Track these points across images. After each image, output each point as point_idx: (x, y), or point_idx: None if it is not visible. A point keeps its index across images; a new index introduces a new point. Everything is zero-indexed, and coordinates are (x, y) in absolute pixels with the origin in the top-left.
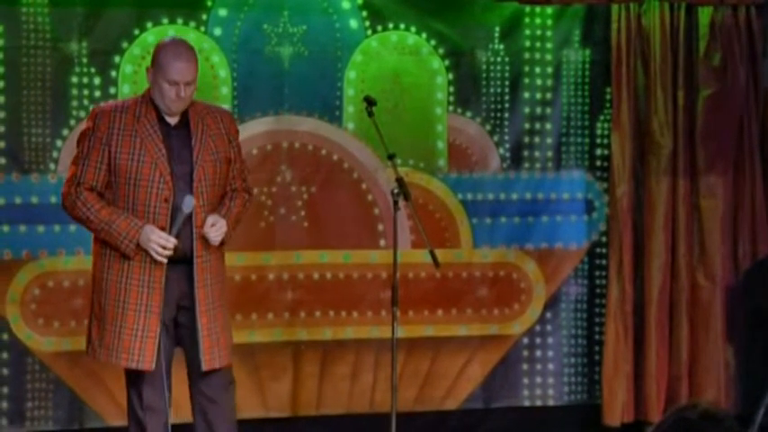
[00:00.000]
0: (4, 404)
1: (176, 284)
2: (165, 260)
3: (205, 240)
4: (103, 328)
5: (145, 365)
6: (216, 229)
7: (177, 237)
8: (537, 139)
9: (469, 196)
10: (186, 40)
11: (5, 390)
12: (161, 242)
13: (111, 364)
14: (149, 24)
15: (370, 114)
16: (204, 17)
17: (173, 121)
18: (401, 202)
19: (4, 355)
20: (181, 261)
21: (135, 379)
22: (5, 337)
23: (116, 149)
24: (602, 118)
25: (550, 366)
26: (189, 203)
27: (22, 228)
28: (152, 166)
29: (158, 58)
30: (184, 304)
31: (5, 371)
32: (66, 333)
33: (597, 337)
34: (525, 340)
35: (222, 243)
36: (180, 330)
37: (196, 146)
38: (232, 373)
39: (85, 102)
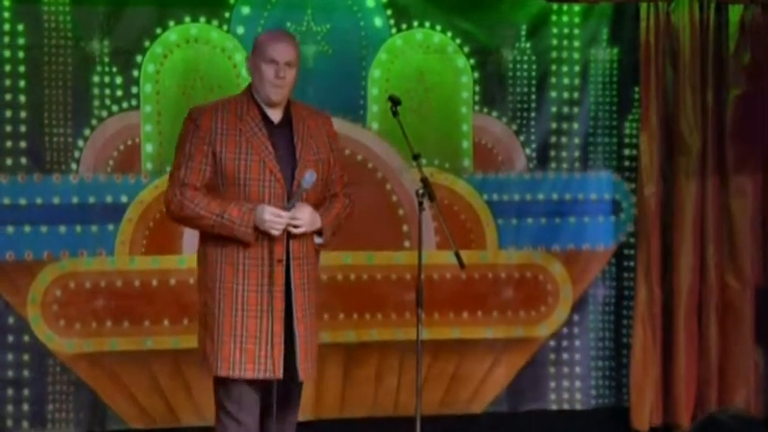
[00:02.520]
0: (25, 407)
1: None
2: (278, 233)
3: (302, 242)
4: (220, 340)
5: (275, 373)
6: (298, 215)
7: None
8: (564, 139)
9: (495, 197)
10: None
11: (26, 392)
12: (275, 219)
13: (234, 376)
14: (171, 23)
15: (395, 114)
16: (227, 15)
17: (276, 118)
18: (426, 203)
19: (25, 357)
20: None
21: (231, 388)
22: (26, 338)
23: (221, 150)
24: (630, 117)
25: (577, 369)
26: (309, 179)
27: (44, 228)
28: (261, 165)
29: (258, 43)
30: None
31: (26, 373)
32: (87, 334)
33: (625, 339)
34: (552, 343)
35: (318, 248)
36: None
37: (299, 144)
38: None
39: (107, 101)
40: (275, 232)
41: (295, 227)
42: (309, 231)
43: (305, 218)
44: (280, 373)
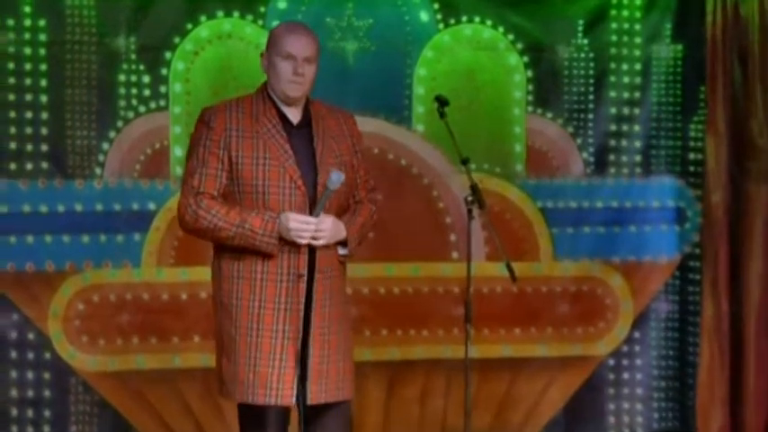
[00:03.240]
0: (46, 428)
1: None
2: (305, 242)
3: (325, 254)
4: (236, 362)
5: (284, 400)
6: (319, 227)
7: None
8: (624, 143)
9: (550, 204)
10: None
11: (47, 413)
12: (302, 226)
13: (249, 402)
14: (203, 18)
15: (442, 115)
16: (262, 10)
17: (294, 118)
18: (475, 211)
19: (46, 376)
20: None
21: (252, 413)
22: (47, 355)
23: (237, 154)
24: (695, 119)
25: (639, 391)
26: (336, 180)
27: (66, 238)
28: (280, 171)
29: (272, 35)
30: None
31: (47, 392)
32: (112, 351)
33: (690, 358)
34: (611, 362)
35: (344, 260)
36: None
37: (318, 147)
38: (349, 412)
39: (134, 102)
40: (303, 241)
41: (315, 238)
42: (332, 243)
43: (327, 228)
44: (291, 400)
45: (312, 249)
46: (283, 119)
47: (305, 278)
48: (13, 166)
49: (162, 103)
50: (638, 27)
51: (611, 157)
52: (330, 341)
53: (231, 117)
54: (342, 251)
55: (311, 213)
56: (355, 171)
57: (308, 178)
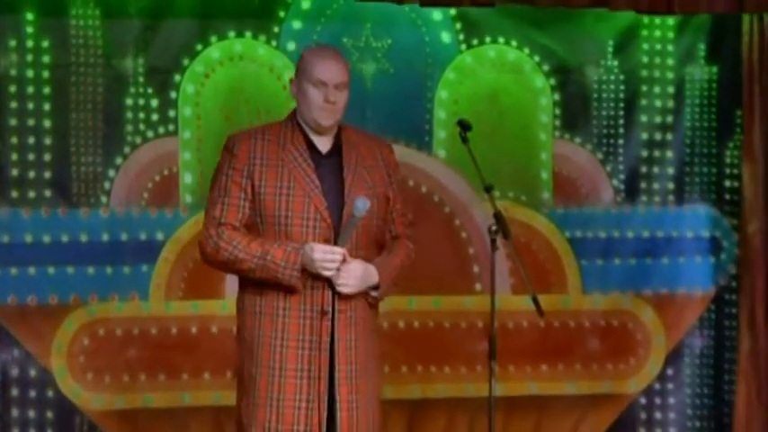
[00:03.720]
0: None
1: None
2: (331, 273)
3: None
4: (255, 403)
5: None
6: (345, 274)
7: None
8: (656, 169)
9: (578, 234)
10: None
11: None
12: (327, 256)
13: None
14: (213, 38)
15: (465, 140)
16: (276, 30)
17: (324, 147)
18: (499, 241)
19: (49, 414)
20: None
21: None
22: (50, 393)
23: (260, 183)
24: (731, 144)
25: (672, 431)
26: (362, 207)
27: (70, 269)
28: (305, 201)
29: (302, 61)
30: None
31: None
32: (118, 389)
33: (726, 396)
34: (643, 400)
35: (376, 302)
36: None
37: (348, 177)
38: None
39: (141, 126)
40: (328, 273)
41: (342, 285)
42: (364, 289)
43: (356, 276)
44: None
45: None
46: (311, 147)
47: (329, 315)
48: (15, 193)
49: (171, 127)
50: (670, 48)
51: (643, 185)
52: (359, 385)
53: (256, 144)
54: (373, 293)
55: (335, 244)
56: (391, 204)
57: (335, 210)
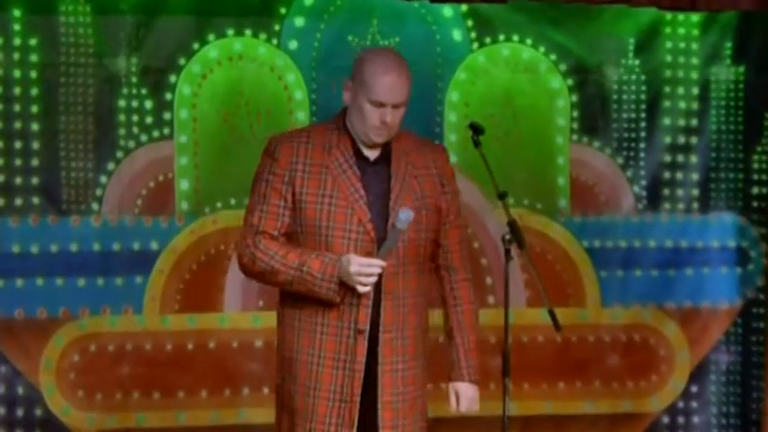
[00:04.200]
0: None
1: None
2: (368, 289)
3: (399, 309)
4: (294, 423)
5: None
6: (469, 404)
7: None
8: (679, 175)
9: (597, 244)
10: (398, 52)
11: None
12: (364, 269)
13: None
14: (211, 36)
15: (477, 144)
16: (277, 27)
17: (372, 154)
18: (514, 251)
19: None
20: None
21: None
22: (38, 411)
23: (301, 190)
24: (758, 149)
25: None
26: (405, 219)
27: (60, 281)
28: (347, 212)
29: (362, 70)
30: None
31: None
32: (110, 408)
33: (754, 416)
34: (665, 420)
35: (424, 321)
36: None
37: (395, 187)
38: None
39: (135, 130)
40: (364, 289)
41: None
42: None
43: (475, 398)
44: None
45: (378, 302)
46: (358, 153)
47: (366, 335)
48: (1, 201)
49: (166, 131)
50: (695, 46)
51: (666, 192)
52: (405, 410)
53: (299, 148)
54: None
55: (378, 247)
56: (443, 215)
57: (379, 222)
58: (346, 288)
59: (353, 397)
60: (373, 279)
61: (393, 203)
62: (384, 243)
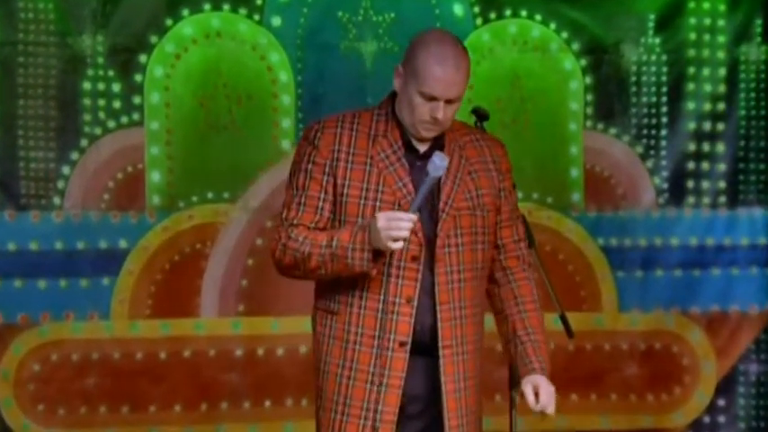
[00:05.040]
0: None
1: (408, 383)
2: (400, 245)
3: (458, 320)
4: None
5: None
6: (548, 398)
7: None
8: (705, 165)
9: (614, 242)
10: (457, 39)
11: None
12: (393, 223)
13: None
14: (186, 12)
15: None
16: (259, 2)
17: (422, 145)
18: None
19: None
20: (419, 351)
21: None
22: None
23: (344, 182)
24: None
25: None
26: (438, 164)
27: (18, 283)
28: (394, 209)
29: (415, 57)
30: (415, 411)
31: None
32: (74, 423)
33: None
34: None
35: (481, 333)
36: None
37: (447, 185)
38: None
39: (101, 115)
40: (395, 244)
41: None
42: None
43: (552, 398)
44: None
45: (431, 313)
46: (407, 145)
47: (407, 347)
48: None
49: (136, 116)
50: (721, 23)
51: (690, 184)
52: None
53: (343, 135)
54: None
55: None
56: (499, 218)
57: (429, 224)
58: (386, 291)
59: (389, 415)
60: (405, 233)
61: (444, 204)
62: (416, 196)
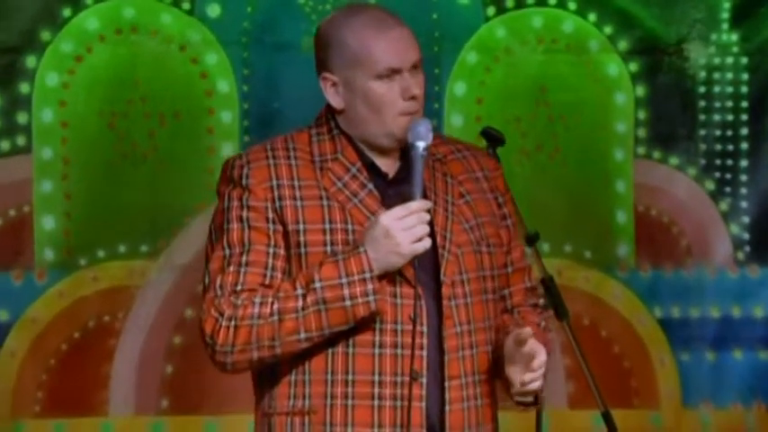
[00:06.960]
0: None
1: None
2: (427, 243)
3: (471, 401)
4: None
5: None
6: (539, 369)
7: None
8: None
9: (676, 313)
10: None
11: None
12: (407, 220)
13: None
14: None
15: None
16: None
17: (389, 167)
18: (551, 323)
19: None
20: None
21: None
22: None
23: (297, 227)
24: None
25: None
26: (425, 131)
27: None
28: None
29: (345, 45)
30: None
31: None
32: None
33: None
34: None
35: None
36: None
37: (439, 213)
38: None
39: None
40: (423, 244)
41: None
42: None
43: (544, 362)
44: None
45: (438, 391)
46: (370, 167)
47: (422, 380)
48: None
49: (20, 141)
50: None
51: None
52: None
53: (278, 166)
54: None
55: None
56: (505, 250)
57: (426, 267)
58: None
59: None
60: (426, 228)
61: (442, 241)
62: (413, 175)
